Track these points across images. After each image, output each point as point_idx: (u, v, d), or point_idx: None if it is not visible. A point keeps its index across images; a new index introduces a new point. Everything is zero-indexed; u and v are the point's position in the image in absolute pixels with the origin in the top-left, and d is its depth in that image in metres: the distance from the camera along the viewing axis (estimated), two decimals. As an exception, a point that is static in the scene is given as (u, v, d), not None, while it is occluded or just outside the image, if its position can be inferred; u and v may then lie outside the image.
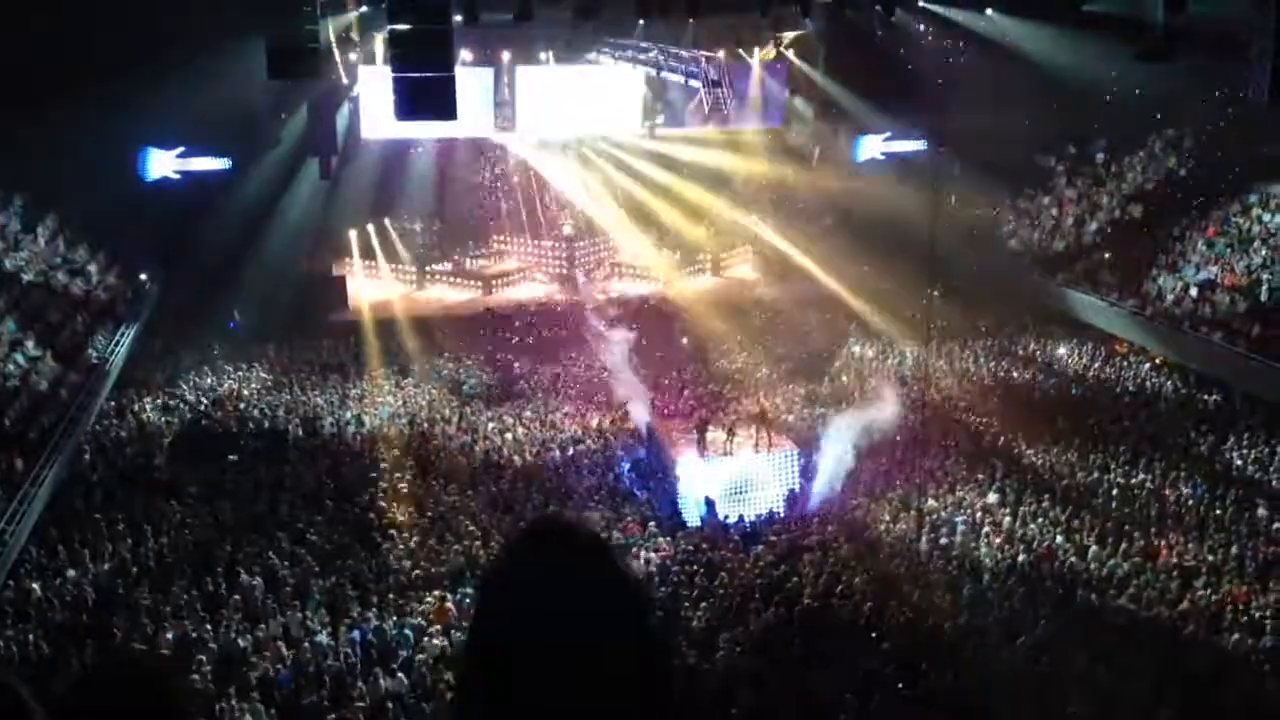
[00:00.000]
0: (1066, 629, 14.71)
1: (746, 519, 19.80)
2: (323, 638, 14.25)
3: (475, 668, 1.58)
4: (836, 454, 21.54)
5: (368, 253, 35.74)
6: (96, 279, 26.58)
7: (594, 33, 29.99)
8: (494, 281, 35.21)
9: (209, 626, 14.34)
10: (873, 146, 33.86)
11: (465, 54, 28.68)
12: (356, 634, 14.39)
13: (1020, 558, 17.09)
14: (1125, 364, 27.84)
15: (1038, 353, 29.44)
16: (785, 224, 35.92)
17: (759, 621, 14.89)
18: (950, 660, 13.85)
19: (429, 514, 18.98)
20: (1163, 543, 17.35)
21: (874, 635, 14.49)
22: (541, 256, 36.66)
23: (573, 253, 35.92)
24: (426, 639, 14.29)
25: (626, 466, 22.35)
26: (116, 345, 24.46)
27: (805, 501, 20.39)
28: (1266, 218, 28.38)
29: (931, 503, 19.40)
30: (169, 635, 13.98)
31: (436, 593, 15.73)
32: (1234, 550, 16.93)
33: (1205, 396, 25.11)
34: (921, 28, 31.85)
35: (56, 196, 26.25)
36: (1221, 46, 24.01)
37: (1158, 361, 27.41)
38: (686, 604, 15.56)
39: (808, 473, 21.15)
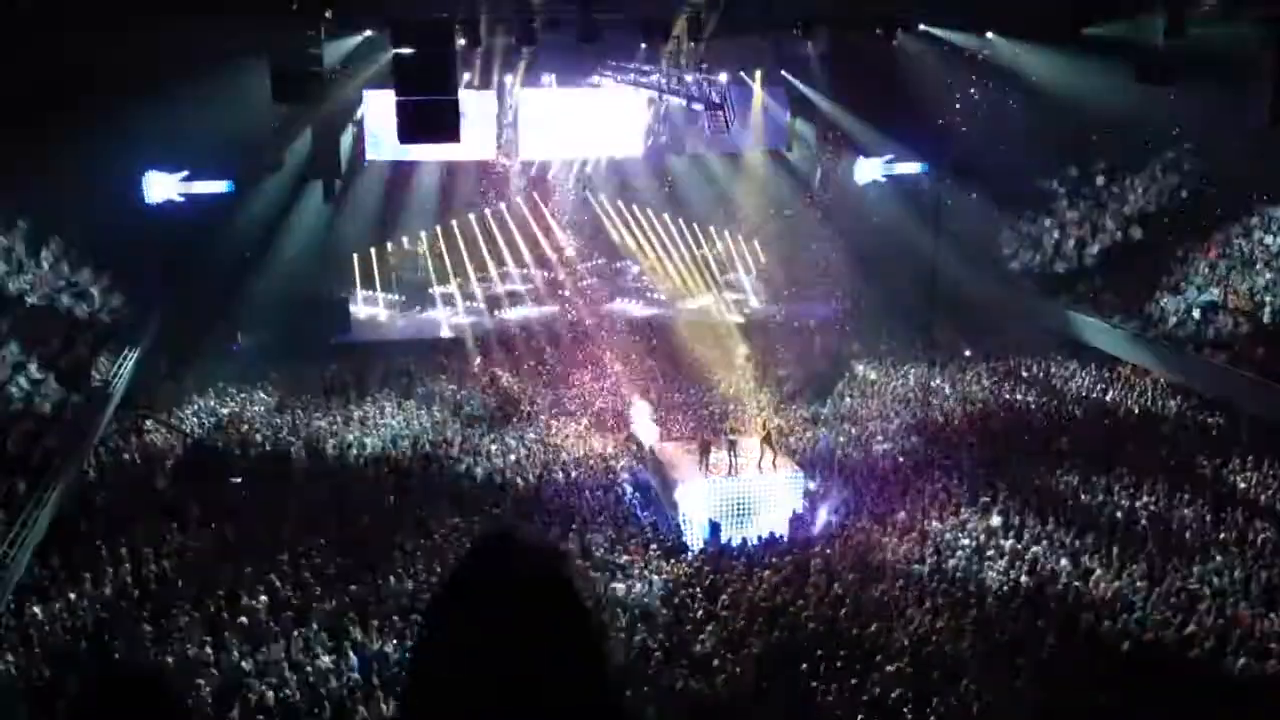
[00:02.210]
0: (1069, 653, 14.63)
1: (750, 541, 19.74)
2: (325, 661, 14.18)
3: (420, 695, 1.46)
4: (839, 476, 21.51)
5: (371, 275, 35.84)
6: (100, 302, 26.59)
7: (596, 56, 30.11)
8: (497, 303, 35.24)
9: (210, 650, 14.26)
10: (874, 169, 33.91)
11: (468, 77, 28.84)
12: (357, 658, 14.33)
13: (1024, 580, 17.01)
14: (1128, 386, 27.78)
15: (1040, 375, 29.40)
16: (784, 247, 35.99)
17: (763, 644, 14.82)
18: (954, 684, 13.76)
19: (432, 537, 18.92)
20: (1168, 566, 17.26)
21: (878, 659, 14.42)
22: (544, 278, 36.67)
23: (575, 274, 35.94)
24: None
25: (629, 488, 22.29)
26: (120, 368, 24.45)
27: (809, 524, 20.31)
28: (1269, 240, 28.38)
29: (935, 525, 19.34)
30: (170, 658, 13.92)
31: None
32: (1238, 574, 16.84)
33: (1209, 419, 25.06)
34: (923, 50, 31.96)
35: (60, 220, 26.31)
36: (1222, 69, 24.18)
37: (1161, 383, 27.39)
38: (690, 627, 15.51)
39: (811, 495, 21.07)
